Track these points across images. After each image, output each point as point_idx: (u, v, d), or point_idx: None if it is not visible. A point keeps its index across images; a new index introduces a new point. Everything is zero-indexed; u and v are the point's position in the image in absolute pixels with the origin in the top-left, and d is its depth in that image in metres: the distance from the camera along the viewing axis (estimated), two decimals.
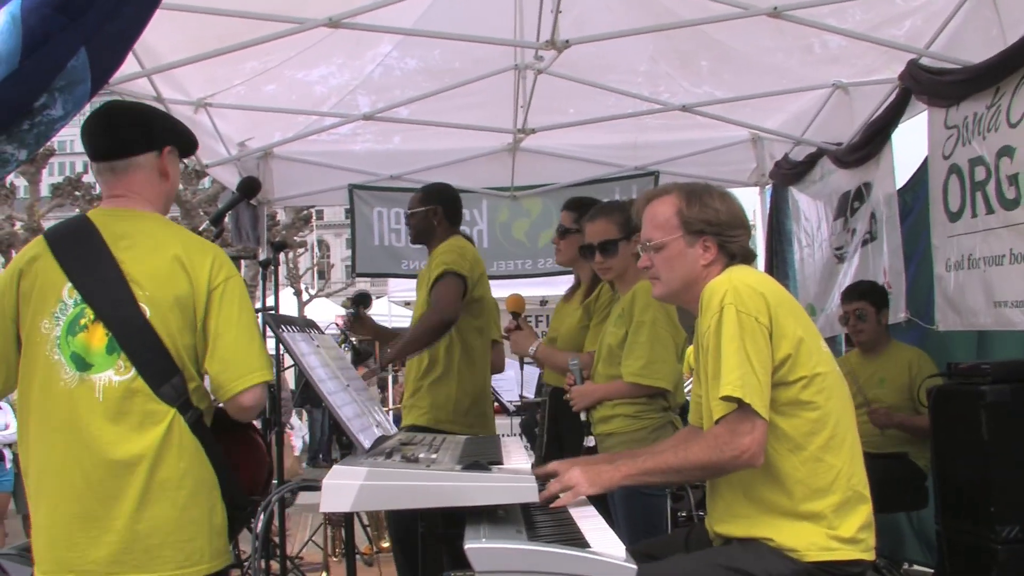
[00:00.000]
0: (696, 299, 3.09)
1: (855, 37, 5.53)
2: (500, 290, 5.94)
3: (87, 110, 2.99)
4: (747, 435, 2.74)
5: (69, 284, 2.82)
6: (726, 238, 3.05)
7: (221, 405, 2.98)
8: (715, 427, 2.80)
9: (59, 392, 2.77)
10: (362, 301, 5.64)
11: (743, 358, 2.74)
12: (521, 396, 7.72)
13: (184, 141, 3.16)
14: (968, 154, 5.05)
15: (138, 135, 3.00)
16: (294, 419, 12.90)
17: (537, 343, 4.84)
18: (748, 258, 3.09)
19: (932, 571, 5.81)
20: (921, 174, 5.84)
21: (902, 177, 6.26)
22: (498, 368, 5.91)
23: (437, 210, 5.32)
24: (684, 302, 3.23)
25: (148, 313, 2.79)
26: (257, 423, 5.79)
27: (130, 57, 4.22)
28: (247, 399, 2.85)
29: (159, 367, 2.79)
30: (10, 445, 9.07)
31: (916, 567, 6.49)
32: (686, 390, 4.72)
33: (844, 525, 2.81)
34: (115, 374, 2.76)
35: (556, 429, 5.13)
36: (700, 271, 3.06)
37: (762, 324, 2.79)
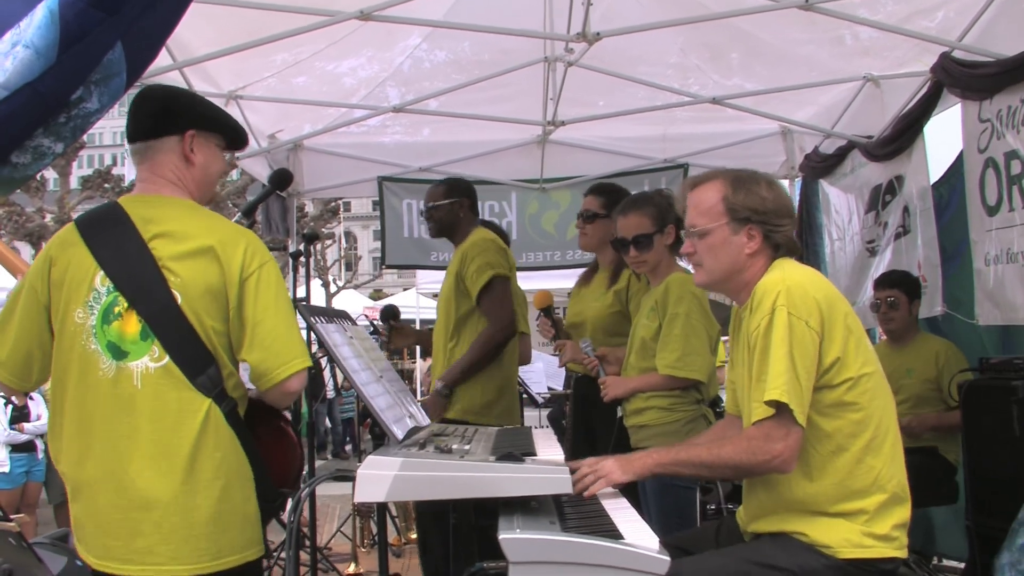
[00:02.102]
0: (738, 288, 3.08)
1: (887, 29, 5.50)
2: (529, 282, 5.95)
3: (124, 100, 3.01)
4: (780, 441, 2.73)
5: (101, 272, 2.82)
6: (771, 227, 2.99)
7: (253, 395, 2.99)
8: (751, 429, 2.79)
9: (98, 382, 2.77)
10: (392, 315, 5.66)
11: (790, 364, 2.72)
12: (549, 388, 7.74)
13: (220, 127, 3.12)
14: (1003, 148, 5.01)
15: (158, 118, 3.00)
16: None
17: (586, 342, 4.81)
18: (792, 250, 3.04)
19: (963, 565, 5.78)
20: (956, 168, 5.79)
21: (935, 171, 6.21)
22: (525, 360, 5.91)
23: (463, 203, 5.31)
24: (726, 291, 3.18)
25: (180, 299, 2.79)
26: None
27: (162, 50, 4.24)
28: (293, 385, 2.85)
29: (193, 354, 2.79)
30: (42, 436, 9.13)
31: (947, 561, 6.46)
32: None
33: (879, 523, 2.80)
34: (150, 360, 2.77)
35: (587, 417, 5.10)
36: (744, 260, 3.02)
37: (812, 329, 2.77)
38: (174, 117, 3.01)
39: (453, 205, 5.27)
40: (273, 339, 2.83)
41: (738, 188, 3.02)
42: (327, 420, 17.78)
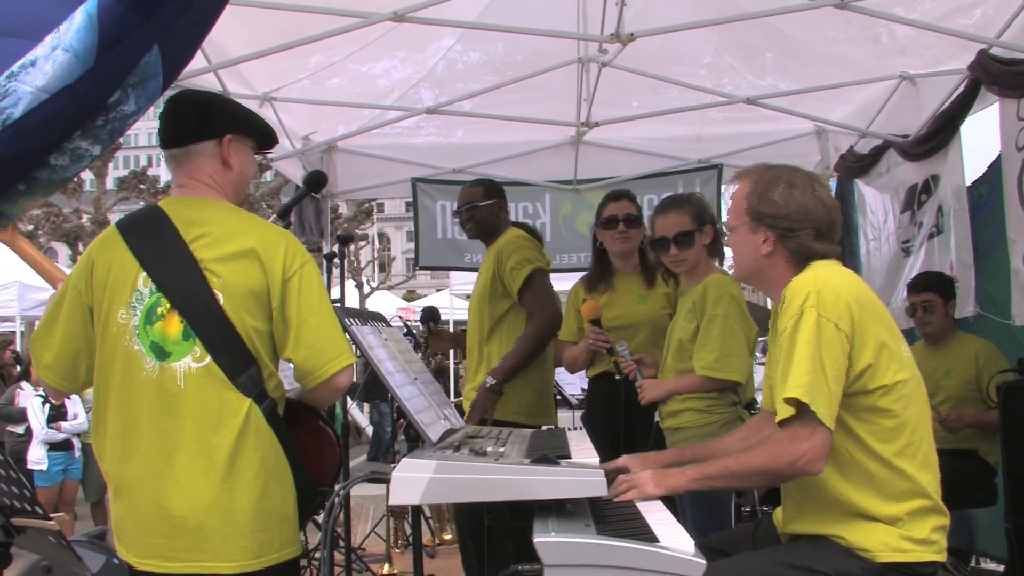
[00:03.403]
0: (767, 286, 3.10)
1: (923, 27, 5.44)
2: (563, 283, 5.93)
3: (160, 103, 3.03)
4: (805, 441, 2.68)
5: (143, 273, 2.85)
6: (783, 231, 2.97)
7: (295, 395, 3.00)
8: (777, 432, 2.77)
9: (142, 382, 2.80)
10: (432, 317, 5.65)
11: (816, 364, 2.69)
12: (583, 389, 7.71)
13: (253, 130, 3.16)
14: None
15: (196, 123, 3.04)
16: (355, 411, 12.96)
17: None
18: (812, 257, 2.98)
19: (1002, 569, 5.72)
20: (996, 166, 5.72)
21: (974, 170, 6.16)
22: (558, 361, 5.90)
23: (502, 203, 5.31)
24: (759, 287, 3.21)
25: (222, 300, 2.81)
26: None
27: (197, 53, 4.27)
28: (341, 380, 2.88)
29: (234, 354, 2.82)
30: (79, 434, 9.23)
31: (987, 563, 6.40)
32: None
33: (918, 527, 2.77)
34: (192, 360, 2.80)
35: (619, 420, 5.07)
36: (762, 260, 3.02)
37: (842, 332, 2.73)
38: (212, 122, 3.05)
39: (494, 206, 5.27)
40: (318, 337, 2.86)
41: (755, 189, 3.03)
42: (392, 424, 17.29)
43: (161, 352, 2.81)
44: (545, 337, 5.03)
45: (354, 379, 3.09)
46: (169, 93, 2.98)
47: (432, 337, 5.55)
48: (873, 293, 2.97)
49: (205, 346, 2.80)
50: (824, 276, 2.85)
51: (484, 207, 5.25)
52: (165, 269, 2.85)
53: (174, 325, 2.81)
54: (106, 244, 2.95)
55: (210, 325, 2.81)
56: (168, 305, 2.82)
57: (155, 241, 2.88)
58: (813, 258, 2.96)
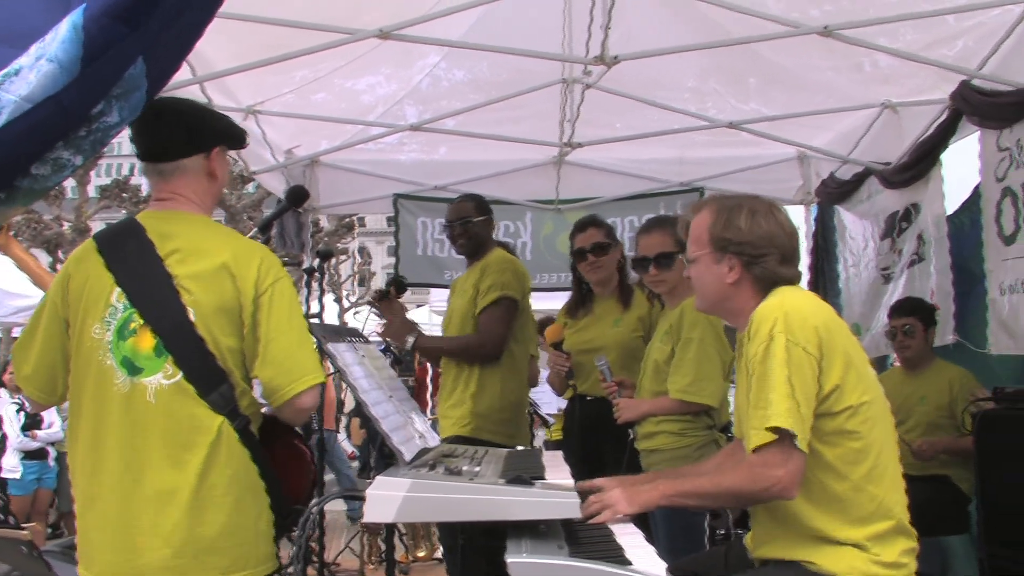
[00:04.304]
0: (732, 314, 3.11)
1: (906, 57, 5.49)
2: (543, 302, 5.94)
3: None
4: (781, 467, 2.70)
5: (118, 288, 2.83)
6: (749, 258, 2.98)
7: (267, 411, 2.99)
8: (752, 456, 2.76)
9: (113, 397, 2.78)
10: (399, 286, 5.56)
11: (789, 390, 2.70)
12: (560, 409, 7.72)
13: (234, 138, 3.16)
14: (1021, 177, 5.00)
15: (186, 139, 3.01)
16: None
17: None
18: (777, 283, 2.99)
19: None
20: (976, 196, 5.77)
21: (955, 198, 6.20)
22: (533, 382, 5.90)
23: (492, 221, 5.34)
24: (723, 316, 3.25)
25: (193, 317, 2.79)
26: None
27: (182, 64, 4.27)
28: (305, 401, 2.85)
29: (206, 372, 2.80)
30: (54, 443, 9.17)
31: None
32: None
33: (887, 551, 2.78)
34: (164, 377, 2.77)
35: (595, 440, 5.09)
36: (728, 289, 3.03)
37: (811, 355, 2.75)
38: (202, 135, 3.04)
39: (486, 222, 5.29)
40: (285, 356, 2.83)
41: (718, 218, 3.03)
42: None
43: (133, 367, 2.79)
44: (471, 355, 5.08)
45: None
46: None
47: (384, 301, 5.38)
48: (836, 314, 2.99)
49: (176, 363, 2.78)
50: (789, 300, 2.86)
51: (478, 223, 5.26)
52: (139, 284, 2.83)
53: (147, 341, 2.79)
54: (82, 257, 2.93)
55: (182, 342, 2.79)
56: (141, 320, 2.80)
57: (130, 256, 2.87)
58: (778, 283, 2.98)
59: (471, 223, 5.27)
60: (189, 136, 3.02)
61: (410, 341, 5.09)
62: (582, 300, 5.28)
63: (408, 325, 5.26)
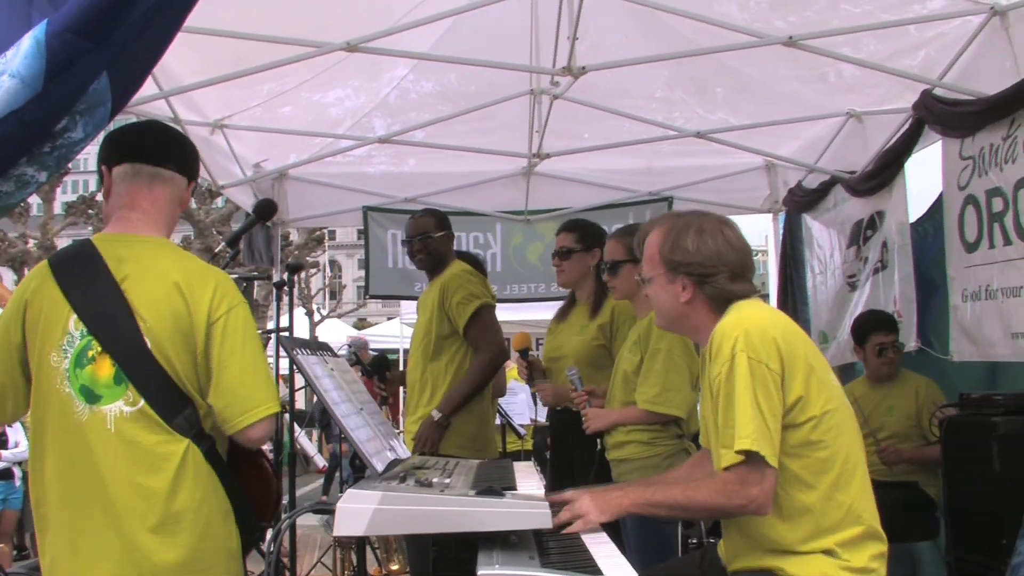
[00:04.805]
0: (692, 331, 3.14)
1: (869, 67, 5.55)
2: (514, 313, 5.95)
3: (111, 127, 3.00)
4: (756, 485, 2.73)
5: (75, 316, 2.79)
6: (699, 278, 3.01)
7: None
8: (725, 472, 2.78)
9: (72, 425, 2.75)
10: (383, 366, 5.61)
11: (756, 410, 2.72)
12: (532, 420, 7.72)
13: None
14: (985, 185, 5.05)
15: (185, 157, 3.06)
16: (303, 440, 12.83)
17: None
18: (731, 299, 3.01)
19: None
20: (940, 204, 5.81)
21: (918, 206, 6.27)
22: (499, 392, 5.90)
23: (451, 235, 5.35)
24: (683, 334, 3.31)
25: (150, 343, 2.76)
26: (267, 446, 5.80)
27: (148, 79, 4.24)
28: (254, 433, 2.83)
29: (168, 398, 2.77)
30: (20, 463, 9.08)
31: None
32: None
33: (856, 556, 2.80)
34: (125, 404, 2.74)
35: (567, 451, 5.11)
36: (683, 308, 3.06)
37: (773, 371, 2.77)
38: (191, 163, 3.10)
39: (445, 238, 5.30)
40: (237, 386, 2.81)
41: (667, 239, 3.07)
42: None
43: (91, 395, 2.75)
44: (491, 370, 5.06)
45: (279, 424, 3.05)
46: (117, 121, 2.96)
47: (389, 386, 5.48)
48: (796, 325, 3.01)
49: (137, 390, 2.75)
50: (747, 316, 2.88)
51: (438, 238, 5.28)
52: (95, 311, 2.79)
53: (105, 369, 2.76)
54: (39, 283, 2.88)
55: (141, 368, 2.75)
56: (99, 348, 2.76)
57: (85, 281, 2.83)
58: (732, 300, 3.00)
59: (430, 239, 5.30)
60: (185, 156, 3.07)
61: (437, 417, 4.97)
62: (569, 304, 5.33)
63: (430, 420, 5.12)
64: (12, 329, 2.86)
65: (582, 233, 5.18)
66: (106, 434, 2.73)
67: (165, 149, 3.01)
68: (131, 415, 2.74)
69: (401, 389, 10.20)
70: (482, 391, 5.07)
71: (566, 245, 5.19)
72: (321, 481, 16.20)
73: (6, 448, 9.06)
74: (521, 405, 9.35)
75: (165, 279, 2.82)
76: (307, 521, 8.03)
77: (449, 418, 4.94)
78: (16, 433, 9.03)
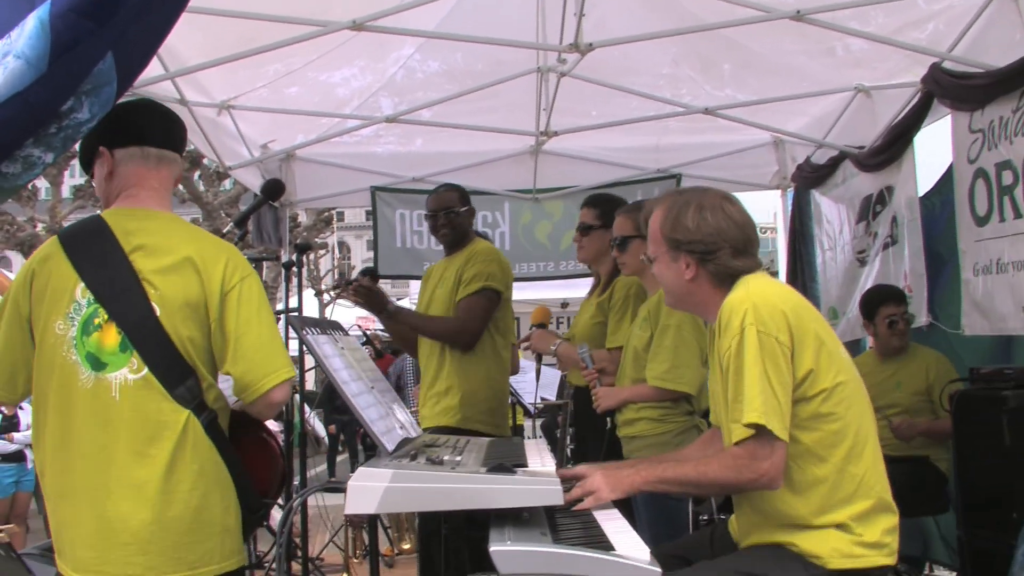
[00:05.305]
0: (699, 308, 3.14)
1: (877, 40, 5.51)
2: (521, 292, 5.93)
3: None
4: (766, 459, 2.72)
5: (82, 284, 2.81)
6: (701, 256, 3.01)
7: (239, 407, 2.98)
8: (735, 447, 2.78)
9: (77, 393, 2.77)
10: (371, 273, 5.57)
11: (765, 383, 2.72)
12: (542, 398, 7.73)
13: None
14: (995, 158, 5.03)
15: (181, 137, 3.12)
16: (314, 420, 12.86)
17: (558, 341, 4.86)
18: (735, 276, 3.00)
19: (955, 574, 5.78)
20: (948, 178, 5.79)
21: (928, 181, 6.24)
22: (514, 370, 5.89)
23: (473, 211, 5.33)
24: (691, 311, 3.31)
25: (158, 312, 2.79)
26: (276, 425, 5.81)
27: (154, 60, 4.25)
28: (276, 395, 2.85)
29: (171, 366, 2.79)
30: (31, 445, 9.11)
31: (940, 571, 6.46)
32: None
33: (869, 531, 2.80)
34: (129, 372, 2.76)
35: (581, 430, 5.11)
36: (688, 285, 3.06)
37: (783, 344, 2.76)
38: (185, 140, 3.17)
39: (468, 212, 5.27)
40: (256, 351, 2.84)
41: (667, 218, 3.06)
42: None
43: (97, 363, 2.77)
44: (445, 338, 5.07)
45: (300, 390, 3.08)
46: (122, 102, 2.96)
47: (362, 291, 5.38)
48: (805, 299, 3.01)
49: (142, 358, 2.77)
50: (756, 290, 2.87)
51: (462, 213, 5.23)
52: (103, 280, 2.81)
53: (111, 336, 2.78)
54: (46, 255, 2.91)
55: (147, 337, 2.78)
56: (106, 316, 2.78)
57: (94, 252, 2.85)
58: (736, 276, 2.99)
59: (454, 213, 5.23)
60: (185, 137, 3.14)
61: (390, 307, 5.05)
62: (598, 282, 5.28)
63: (384, 296, 5.21)
64: (21, 300, 2.89)
65: (603, 209, 5.08)
66: (109, 400, 2.76)
67: (170, 132, 3.06)
68: (135, 383, 2.77)
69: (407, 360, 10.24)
70: (424, 336, 5.15)
71: (586, 221, 5.13)
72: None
73: (18, 431, 9.11)
74: (529, 384, 9.37)
75: (177, 250, 2.85)
76: (319, 501, 8.05)
77: (394, 317, 5.15)
78: (28, 416, 9.06)
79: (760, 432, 2.71)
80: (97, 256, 2.84)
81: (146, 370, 2.77)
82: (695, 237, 3.00)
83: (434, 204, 5.32)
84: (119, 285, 2.80)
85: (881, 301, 6.02)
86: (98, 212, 3.01)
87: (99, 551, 2.73)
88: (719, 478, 2.82)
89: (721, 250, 2.98)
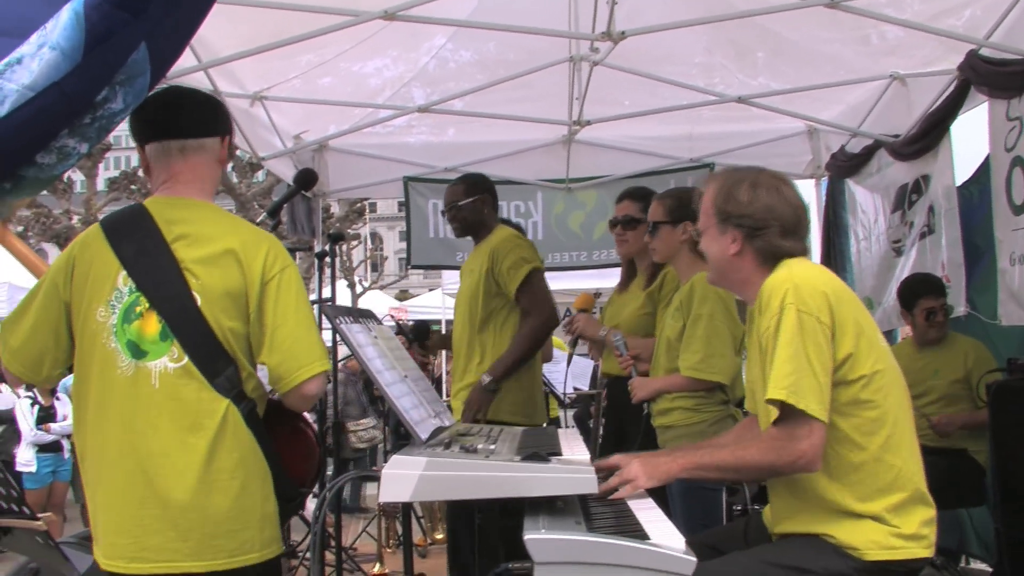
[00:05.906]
0: (739, 285, 3.13)
1: (913, 28, 5.46)
2: (555, 283, 5.92)
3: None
4: (804, 439, 2.70)
5: (124, 272, 2.83)
6: (749, 231, 3.00)
7: (276, 396, 2.99)
8: (772, 429, 2.76)
9: (116, 380, 2.79)
10: (424, 334, 5.62)
11: (802, 361, 2.70)
12: (575, 388, 7.71)
13: (232, 130, 3.23)
14: None
15: (209, 118, 3.06)
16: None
17: (606, 328, 4.84)
18: (780, 256, 2.99)
19: (991, 570, 5.73)
20: (986, 167, 5.72)
21: (965, 170, 6.17)
22: (547, 358, 5.88)
23: (486, 199, 5.28)
24: (731, 289, 3.30)
25: (199, 301, 2.80)
26: (311, 416, 5.83)
27: (186, 51, 4.26)
28: (310, 388, 2.86)
29: (211, 356, 2.80)
30: (68, 436, 9.20)
31: (976, 564, 6.41)
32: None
33: (906, 523, 2.77)
34: (169, 361, 2.78)
35: (617, 419, 5.09)
36: (731, 260, 3.05)
37: (824, 324, 2.74)
38: (219, 119, 3.08)
39: (476, 203, 5.25)
40: (292, 342, 2.84)
41: (721, 190, 3.06)
42: None
43: (137, 351, 2.79)
44: (542, 335, 5.02)
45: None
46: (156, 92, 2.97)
47: (431, 350, 5.46)
48: (845, 285, 2.99)
49: (183, 346, 2.78)
50: (798, 272, 2.86)
51: (467, 205, 5.23)
52: (145, 268, 2.83)
53: (152, 325, 2.79)
54: (88, 242, 2.93)
55: (188, 326, 2.79)
56: (147, 304, 2.80)
57: (137, 240, 2.86)
58: (781, 256, 2.98)
59: (457, 208, 5.27)
60: (212, 116, 3.07)
61: (487, 382, 4.89)
62: (629, 274, 5.26)
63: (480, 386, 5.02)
64: (60, 284, 2.90)
65: (646, 203, 4.97)
66: (150, 389, 2.77)
67: (187, 120, 3.01)
68: (175, 371, 2.78)
69: (444, 354, 10.25)
70: (532, 356, 5.04)
71: (630, 214, 5.08)
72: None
73: (55, 421, 9.19)
74: (561, 374, 9.36)
75: (218, 239, 2.86)
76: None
77: (499, 383, 4.89)
78: (65, 406, 9.16)
79: (795, 411, 2.69)
80: (139, 244, 2.86)
81: (186, 359, 2.78)
82: (746, 211, 2.99)
83: (443, 201, 5.40)
84: (161, 274, 2.82)
85: (920, 293, 5.97)
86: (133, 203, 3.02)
87: (137, 537, 2.74)
88: (757, 461, 2.80)
89: (770, 228, 2.97)
